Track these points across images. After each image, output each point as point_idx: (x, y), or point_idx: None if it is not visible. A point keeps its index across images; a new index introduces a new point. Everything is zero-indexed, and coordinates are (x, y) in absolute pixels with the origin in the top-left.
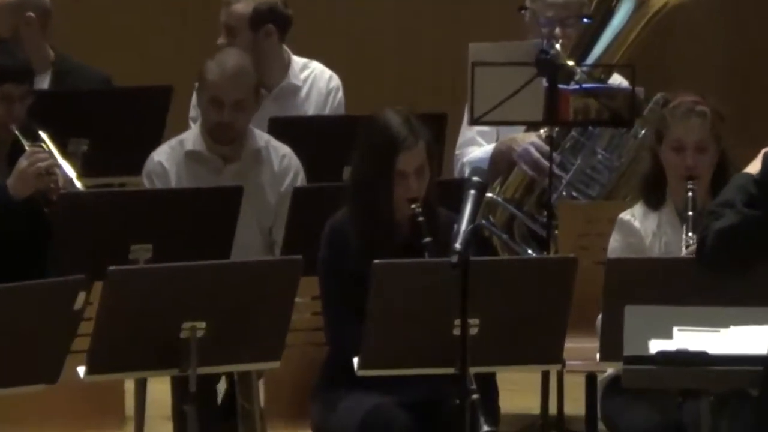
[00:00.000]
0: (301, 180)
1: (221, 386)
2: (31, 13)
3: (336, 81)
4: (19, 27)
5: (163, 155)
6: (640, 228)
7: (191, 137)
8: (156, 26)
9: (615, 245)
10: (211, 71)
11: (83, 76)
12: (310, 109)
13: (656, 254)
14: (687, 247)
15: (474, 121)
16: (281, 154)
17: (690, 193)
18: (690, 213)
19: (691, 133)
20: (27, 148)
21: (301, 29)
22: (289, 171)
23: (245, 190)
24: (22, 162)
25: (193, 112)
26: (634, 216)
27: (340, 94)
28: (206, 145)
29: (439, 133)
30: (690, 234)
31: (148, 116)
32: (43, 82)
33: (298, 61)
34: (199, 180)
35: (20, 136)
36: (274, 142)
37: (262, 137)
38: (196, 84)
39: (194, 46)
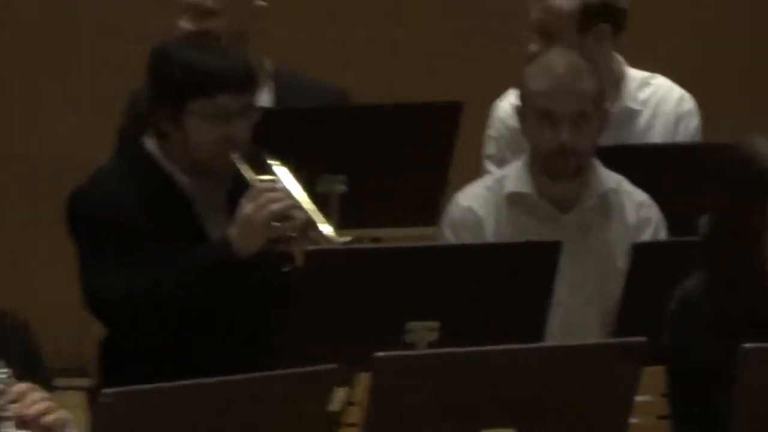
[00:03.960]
0: (663, 238)
1: None
2: (261, 2)
3: (689, 103)
4: (246, 23)
5: (473, 199)
6: None
7: (513, 175)
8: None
9: None
10: (535, 78)
11: (313, 92)
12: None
13: None
14: None
15: None
16: (637, 201)
17: None
18: None
19: None
20: (253, 183)
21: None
22: (647, 225)
23: (584, 249)
24: (247, 205)
25: (491, 147)
26: None
27: (696, 120)
28: (535, 185)
29: None
30: None
31: (427, 144)
32: (261, 100)
33: (635, 75)
34: (524, 233)
35: (243, 169)
36: (628, 186)
37: (611, 177)
38: (505, 106)
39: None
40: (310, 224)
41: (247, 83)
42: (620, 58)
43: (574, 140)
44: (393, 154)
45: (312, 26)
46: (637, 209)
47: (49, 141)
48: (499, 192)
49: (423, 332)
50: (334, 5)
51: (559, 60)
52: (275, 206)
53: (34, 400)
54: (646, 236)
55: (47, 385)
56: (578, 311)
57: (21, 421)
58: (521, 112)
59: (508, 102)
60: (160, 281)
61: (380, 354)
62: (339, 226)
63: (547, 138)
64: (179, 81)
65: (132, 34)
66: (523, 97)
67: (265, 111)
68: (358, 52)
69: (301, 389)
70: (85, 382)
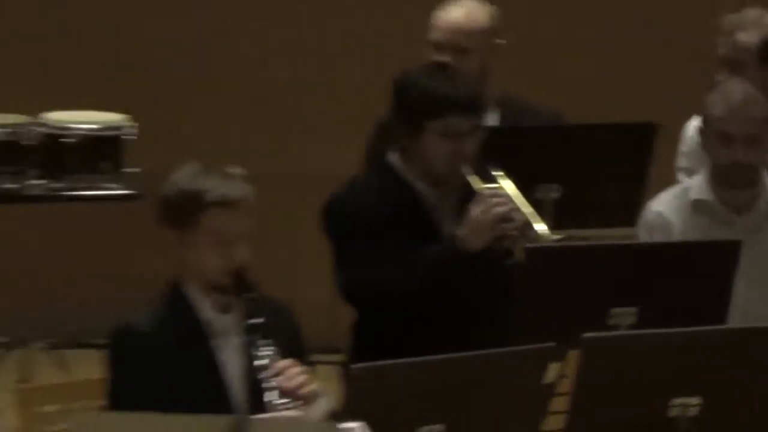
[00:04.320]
0: None
1: None
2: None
3: None
4: (490, 59)
5: (664, 205)
6: None
7: (697, 185)
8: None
9: None
10: (715, 105)
11: (532, 114)
12: None
13: None
14: None
15: None
16: None
17: None
18: None
19: None
20: (480, 191)
21: None
22: None
23: (757, 248)
24: (475, 209)
25: (682, 161)
26: None
27: None
28: (715, 193)
29: None
30: None
31: (628, 158)
32: (489, 120)
33: None
34: (705, 233)
35: (472, 179)
36: None
37: None
38: (693, 126)
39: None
40: (528, 225)
41: (475, 106)
42: None
43: (747, 157)
44: (599, 166)
45: (529, 60)
46: None
47: (308, 150)
48: (685, 199)
49: (624, 316)
50: (543, 43)
51: (735, 89)
52: (499, 210)
53: (295, 373)
54: None
55: (305, 360)
56: (753, 301)
57: (283, 392)
58: (703, 132)
59: (694, 124)
60: (401, 274)
61: (588, 334)
62: (553, 227)
63: (724, 155)
64: (417, 104)
65: None
66: (705, 120)
67: (492, 129)
68: (567, 78)
69: (522, 364)
70: (337, 358)
